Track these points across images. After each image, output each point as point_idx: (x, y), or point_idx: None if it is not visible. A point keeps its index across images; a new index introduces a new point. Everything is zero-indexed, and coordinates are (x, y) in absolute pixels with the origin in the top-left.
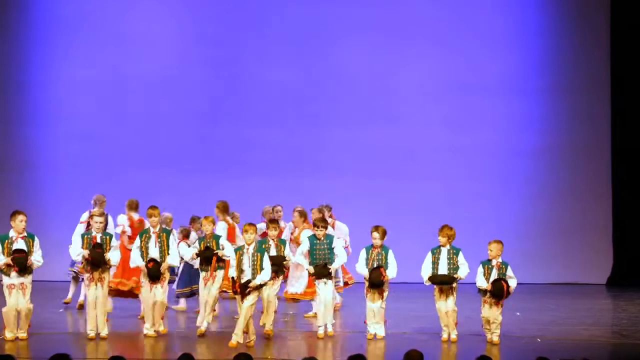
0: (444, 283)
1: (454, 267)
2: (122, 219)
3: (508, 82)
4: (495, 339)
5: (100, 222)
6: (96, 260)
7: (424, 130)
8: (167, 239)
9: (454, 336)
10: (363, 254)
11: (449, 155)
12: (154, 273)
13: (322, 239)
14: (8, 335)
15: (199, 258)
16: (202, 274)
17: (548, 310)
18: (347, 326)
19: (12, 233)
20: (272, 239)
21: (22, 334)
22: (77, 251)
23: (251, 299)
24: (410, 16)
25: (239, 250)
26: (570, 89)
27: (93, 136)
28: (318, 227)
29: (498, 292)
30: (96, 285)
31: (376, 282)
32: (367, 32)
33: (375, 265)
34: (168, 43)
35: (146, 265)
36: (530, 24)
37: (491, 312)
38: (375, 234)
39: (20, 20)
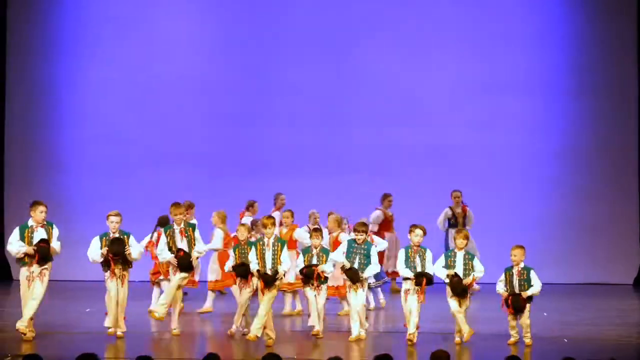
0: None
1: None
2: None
3: (534, 83)
4: (528, 341)
5: (117, 222)
6: (117, 252)
7: (449, 131)
8: (193, 232)
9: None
10: (402, 253)
11: (474, 156)
12: (185, 262)
13: (361, 244)
14: (20, 324)
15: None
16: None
17: (574, 310)
18: (375, 326)
19: (31, 222)
20: (315, 247)
21: (22, 324)
22: (93, 253)
23: (273, 293)
24: (435, 16)
25: (258, 243)
26: (597, 89)
27: (120, 138)
28: (358, 232)
29: (517, 308)
30: (117, 280)
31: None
32: (392, 33)
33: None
34: (194, 45)
35: (176, 256)
36: (557, 25)
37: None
38: (418, 231)
39: (47, 23)
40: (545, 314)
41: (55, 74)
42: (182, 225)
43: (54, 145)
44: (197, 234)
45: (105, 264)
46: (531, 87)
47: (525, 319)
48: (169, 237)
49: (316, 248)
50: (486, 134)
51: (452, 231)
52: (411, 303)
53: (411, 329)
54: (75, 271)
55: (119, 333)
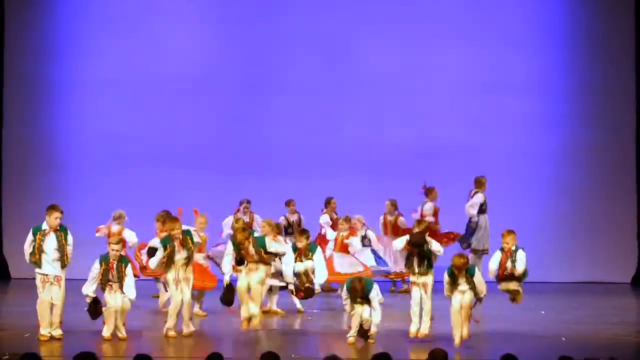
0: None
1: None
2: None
3: (532, 82)
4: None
5: (117, 250)
6: (93, 314)
7: (447, 130)
8: (191, 239)
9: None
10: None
11: (472, 155)
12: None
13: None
14: (43, 332)
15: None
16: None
17: (572, 309)
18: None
19: (45, 226)
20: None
21: (57, 332)
22: (86, 289)
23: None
24: (433, 15)
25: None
26: (595, 89)
27: (118, 136)
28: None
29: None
30: (115, 293)
31: (417, 241)
32: (391, 33)
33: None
34: (192, 43)
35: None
36: (556, 24)
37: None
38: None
39: (45, 21)
40: (542, 312)
41: (52, 72)
42: (180, 237)
43: (52, 144)
44: (195, 239)
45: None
46: (530, 86)
47: (517, 286)
48: (170, 252)
49: (302, 250)
50: (485, 133)
51: (482, 217)
52: (420, 297)
53: (424, 326)
54: (72, 270)
55: (120, 335)
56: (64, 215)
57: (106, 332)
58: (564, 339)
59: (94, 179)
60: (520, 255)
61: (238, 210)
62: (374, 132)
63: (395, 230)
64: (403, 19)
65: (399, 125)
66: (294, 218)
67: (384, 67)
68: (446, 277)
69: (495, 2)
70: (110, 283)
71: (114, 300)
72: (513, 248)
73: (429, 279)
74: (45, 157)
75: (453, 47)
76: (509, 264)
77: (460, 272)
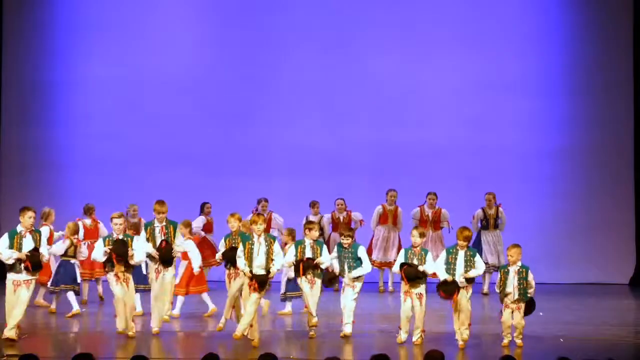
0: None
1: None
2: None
3: (531, 83)
4: (519, 342)
5: (120, 224)
6: (120, 253)
7: (447, 130)
8: (174, 231)
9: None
10: (402, 254)
11: (471, 155)
12: (167, 255)
13: (348, 247)
14: (8, 333)
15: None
16: (227, 271)
17: (571, 310)
18: (369, 326)
19: (20, 228)
20: (312, 239)
21: (11, 332)
22: (97, 253)
23: (257, 294)
24: (434, 16)
25: (247, 241)
26: (594, 89)
27: (116, 136)
28: (344, 236)
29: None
30: (122, 283)
31: (411, 276)
32: (391, 33)
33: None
34: (191, 44)
35: (159, 248)
36: (554, 25)
37: (515, 317)
38: (415, 232)
39: (43, 21)
40: (541, 313)
41: (50, 72)
42: (163, 223)
43: (52, 145)
44: (178, 233)
45: (109, 263)
46: (529, 86)
47: (520, 320)
48: (148, 234)
49: (312, 240)
50: (483, 133)
51: (484, 232)
52: (412, 307)
53: (416, 336)
54: None
55: (130, 334)
56: (64, 215)
57: (119, 326)
58: (562, 340)
59: (94, 179)
60: (531, 278)
61: (256, 209)
62: (374, 133)
63: (436, 225)
64: (403, 20)
65: (399, 126)
66: (316, 220)
67: (384, 67)
68: (443, 256)
69: (495, 4)
70: (118, 273)
71: (120, 290)
72: (519, 265)
73: (422, 289)
74: (45, 157)
75: (453, 48)
76: (514, 281)
77: (468, 241)
